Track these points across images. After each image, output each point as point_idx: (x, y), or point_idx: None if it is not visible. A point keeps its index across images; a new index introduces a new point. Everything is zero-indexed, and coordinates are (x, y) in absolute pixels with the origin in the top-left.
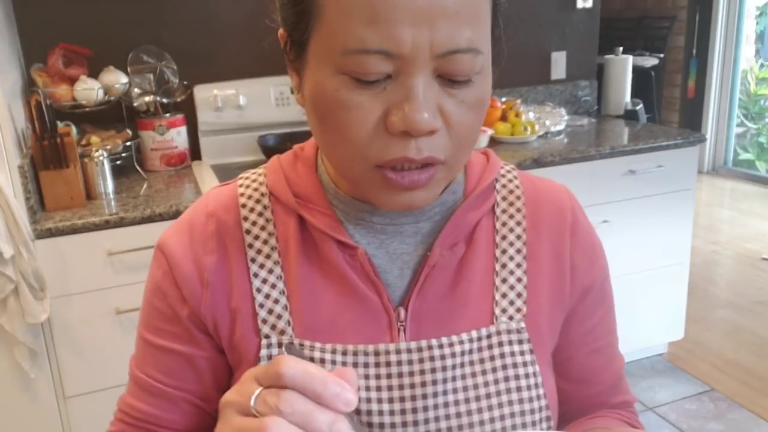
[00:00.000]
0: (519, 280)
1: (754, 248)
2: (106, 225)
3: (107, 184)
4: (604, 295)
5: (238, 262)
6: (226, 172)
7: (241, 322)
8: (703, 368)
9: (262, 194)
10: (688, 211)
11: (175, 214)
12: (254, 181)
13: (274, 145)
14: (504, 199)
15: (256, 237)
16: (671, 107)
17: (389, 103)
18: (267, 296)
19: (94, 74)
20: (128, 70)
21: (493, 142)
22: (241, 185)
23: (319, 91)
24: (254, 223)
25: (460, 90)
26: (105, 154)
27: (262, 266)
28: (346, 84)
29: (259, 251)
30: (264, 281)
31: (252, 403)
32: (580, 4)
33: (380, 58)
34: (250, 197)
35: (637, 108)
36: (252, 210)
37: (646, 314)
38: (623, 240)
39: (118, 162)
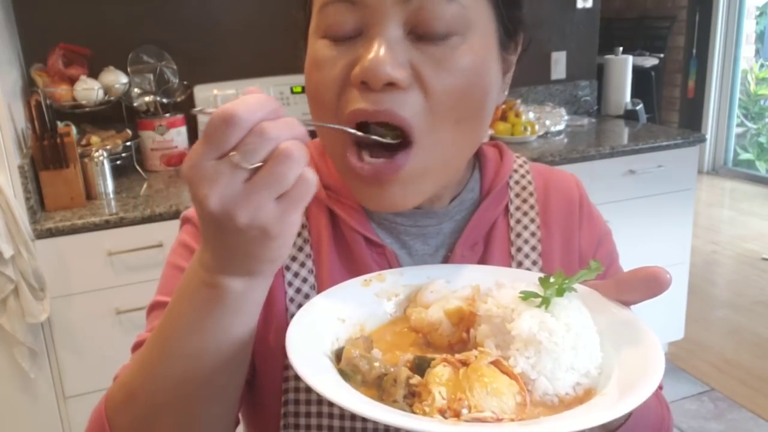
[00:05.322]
0: None
1: (754, 248)
2: (106, 225)
3: (107, 184)
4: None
5: None
6: None
7: (274, 315)
8: (703, 368)
9: None
10: (688, 211)
11: (176, 214)
12: None
13: None
14: (517, 196)
15: None
16: (671, 107)
17: (354, 57)
18: (298, 290)
19: (94, 74)
20: (128, 70)
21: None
22: None
23: (307, 60)
24: None
25: (437, 48)
26: (105, 154)
27: (294, 259)
28: (323, 45)
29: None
30: (296, 275)
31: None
32: (580, 4)
33: (345, 8)
34: None
35: (637, 108)
36: None
37: (646, 314)
38: (623, 240)
39: (118, 162)
